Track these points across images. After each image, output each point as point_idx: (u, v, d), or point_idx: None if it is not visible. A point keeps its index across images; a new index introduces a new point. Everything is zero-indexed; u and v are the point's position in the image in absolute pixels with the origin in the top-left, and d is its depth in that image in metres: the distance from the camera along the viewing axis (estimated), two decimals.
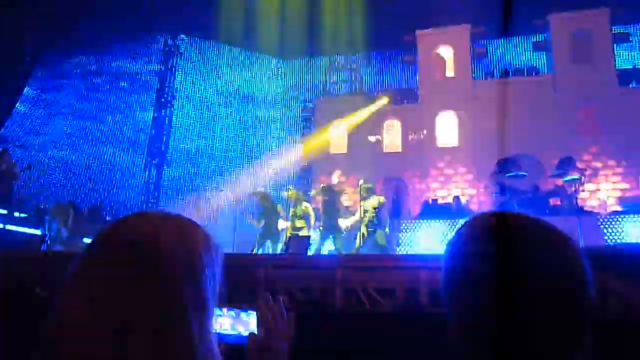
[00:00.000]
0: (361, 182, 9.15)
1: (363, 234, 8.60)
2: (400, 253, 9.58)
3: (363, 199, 8.82)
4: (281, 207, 9.77)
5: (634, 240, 8.43)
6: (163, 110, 16.82)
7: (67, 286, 0.77)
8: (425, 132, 14.59)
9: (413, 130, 14.84)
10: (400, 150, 15.06)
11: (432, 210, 11.37)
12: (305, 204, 9.46)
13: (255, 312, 1.02)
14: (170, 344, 0.73)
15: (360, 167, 13.55)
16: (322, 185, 10.20)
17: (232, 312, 1.59)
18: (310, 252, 8.66)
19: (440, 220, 10.33)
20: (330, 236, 9.12)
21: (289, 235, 8.97)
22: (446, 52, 15.30)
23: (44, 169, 14.64)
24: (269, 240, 9.41)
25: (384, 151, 15.14)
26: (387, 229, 8.74)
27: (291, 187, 9.93)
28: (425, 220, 10.62)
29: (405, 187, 13.83)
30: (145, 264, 0.77)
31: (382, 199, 8.81)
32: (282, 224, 9.55)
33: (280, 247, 9.15)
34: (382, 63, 17.11)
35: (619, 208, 10.65)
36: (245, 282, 6.06)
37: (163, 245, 0.79)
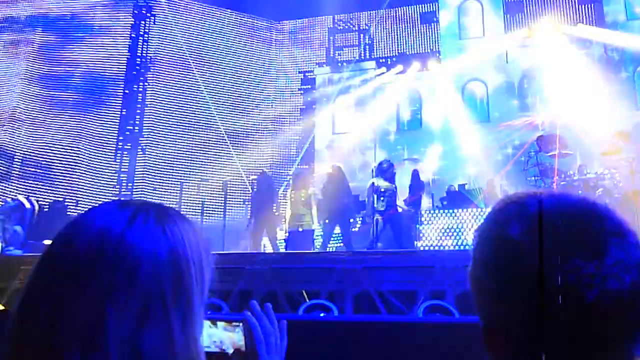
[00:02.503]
0: (373, 165, 9.16)
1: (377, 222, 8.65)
2: (421, 249, 9.60)
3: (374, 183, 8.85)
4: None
5: None
6: (135, 85, 16.79)
7: (28, 288, 0.79)
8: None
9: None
10: (421, 127, 15.02)
11: (458, 198, 11.35)
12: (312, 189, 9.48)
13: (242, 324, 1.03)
14: (147, 336, 0.75)
15: (370, 148, 13.51)
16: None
17: (221, 323, 1.59)
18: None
19: (467, 209, 10.32)
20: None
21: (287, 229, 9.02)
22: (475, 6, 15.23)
23: None
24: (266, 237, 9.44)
25: (404, 128, 15.18)
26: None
27: None
28: (449, 210, 10.62)
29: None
30: (119, 259, 0.77)
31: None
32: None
33: None
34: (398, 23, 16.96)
35: None
36: (238, 285, 6.09)
37: (140, 240, 0.80)
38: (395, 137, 15.25)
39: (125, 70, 16.82)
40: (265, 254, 8.39)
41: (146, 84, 16.88)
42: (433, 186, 12.82)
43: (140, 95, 16.80)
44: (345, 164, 11.38)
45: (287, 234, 8.92)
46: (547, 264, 0.74)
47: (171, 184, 14.98)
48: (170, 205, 0.90)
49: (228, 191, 11.67)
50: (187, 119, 16.49)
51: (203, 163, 15.61)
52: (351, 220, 9.59)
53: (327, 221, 9.27)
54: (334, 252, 8.74)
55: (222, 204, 10.85)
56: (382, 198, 8.75)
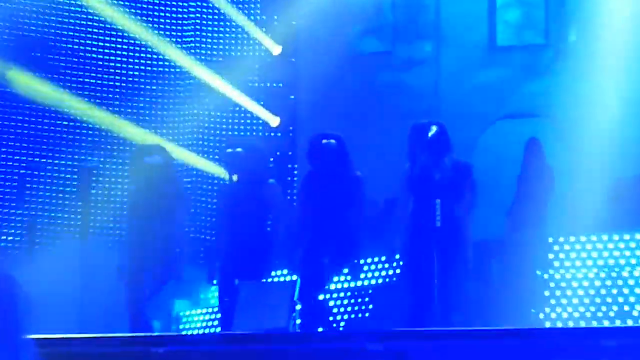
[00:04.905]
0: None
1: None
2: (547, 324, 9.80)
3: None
4: None
5: None
6: None
7: None
8: None
9: None
10: (546, 41, 15.43)
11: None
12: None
13: None
14: None
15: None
16: None
17: None
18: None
19: None
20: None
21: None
22: None
23: None
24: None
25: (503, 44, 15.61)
26: None
27: None
28: (613, 233, 10.87)
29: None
30: None
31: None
32: None
33: None
34: None
35: None
36: None
37: None
38: (483, 65, 15.62)
39: None
40: (188, 338, 8.50)
41: None
42: (577, 178, 13.02)
43: None
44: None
45: (237, 289, 9.02)
46: None
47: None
48: None
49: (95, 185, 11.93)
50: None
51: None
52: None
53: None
54: (340, 331, 8.85)
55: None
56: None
